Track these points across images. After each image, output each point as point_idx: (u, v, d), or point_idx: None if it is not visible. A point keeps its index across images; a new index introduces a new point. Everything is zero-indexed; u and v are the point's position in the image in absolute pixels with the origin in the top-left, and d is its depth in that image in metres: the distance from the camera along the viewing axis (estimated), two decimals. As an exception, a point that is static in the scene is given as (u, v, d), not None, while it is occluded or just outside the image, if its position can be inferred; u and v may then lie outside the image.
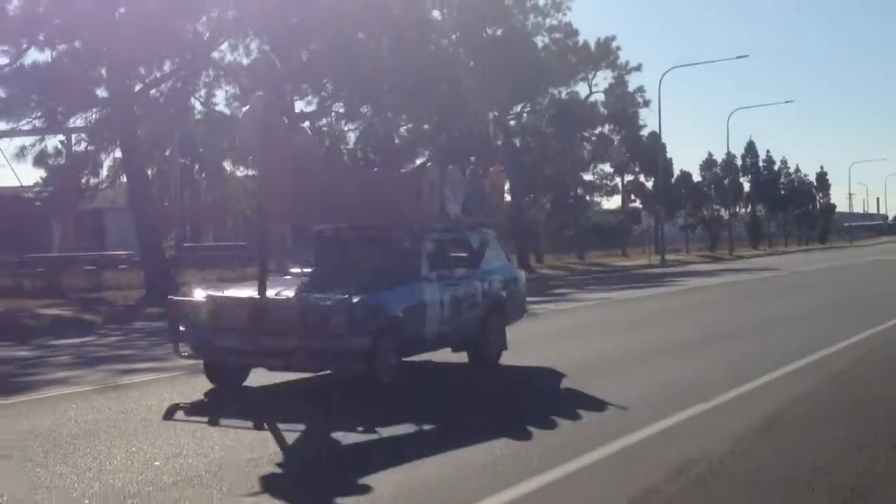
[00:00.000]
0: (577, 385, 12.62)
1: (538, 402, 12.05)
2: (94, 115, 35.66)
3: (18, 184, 50.31)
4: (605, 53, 60.26)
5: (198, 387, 12.69)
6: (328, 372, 12.07)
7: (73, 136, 42.62)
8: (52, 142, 41.52)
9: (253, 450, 9.03)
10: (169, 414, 10.92)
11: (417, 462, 8.42)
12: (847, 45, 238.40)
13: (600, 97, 63.08)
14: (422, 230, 13.65)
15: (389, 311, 12.13)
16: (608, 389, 12.18)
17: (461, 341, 14.17)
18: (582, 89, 61.17)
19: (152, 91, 35.83)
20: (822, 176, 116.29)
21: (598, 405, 11.08)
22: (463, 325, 13.86)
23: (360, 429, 9.82)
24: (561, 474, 7.94)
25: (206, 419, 10.53)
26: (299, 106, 40.29)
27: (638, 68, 63.08)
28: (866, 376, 13.21)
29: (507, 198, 59.50)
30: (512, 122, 55.95)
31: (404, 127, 47.48)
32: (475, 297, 14.16)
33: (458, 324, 13.70)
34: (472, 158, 39.05)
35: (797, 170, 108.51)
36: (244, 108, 13.43)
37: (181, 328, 12.35)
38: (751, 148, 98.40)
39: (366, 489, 7.61)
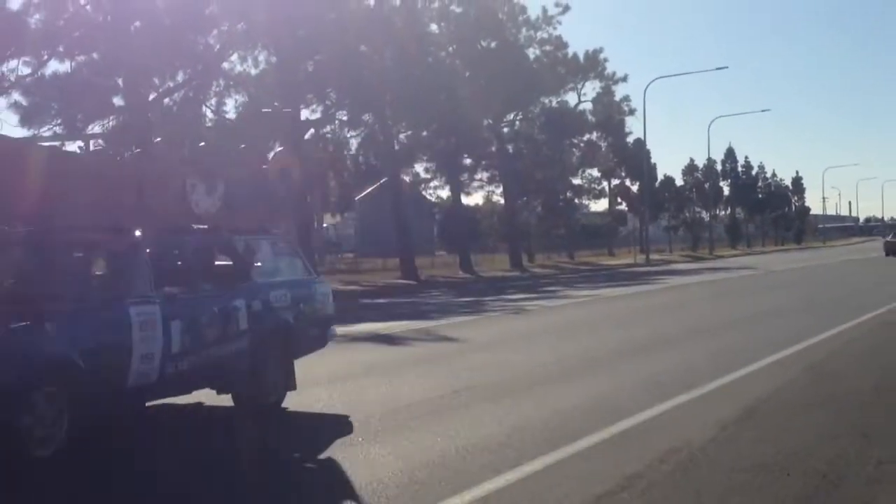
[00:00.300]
0: (566, 377, 12.64)
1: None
2: (111, 123, 35.69)
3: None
4: (592, 65, 60.35)
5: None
6: None
7: (92, 142, 42.54)
8: (72, 147, 41.51)
9: None
10: None
11: None
12: (821, 57, 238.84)
13: (588, 106, 63.30)
14: (142, 232, 9.41)
15: (52, 352, 7.93)
16: (593, 383, 12.22)
17: (220, 381, 9.97)
18: (571, 98, 61.39)
19: (166, 100, 35.88)
20: (797, 180, 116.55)
21: (586, 397, 11.10)
22: (216, 361, 9.62)
23: None
24: (552, 461, 7.94)
25: None
26: (305, 114, 40.29)
27: (624, 79, 63.34)
28: (840, 369, 13.22)
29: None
30: (505, 130, 56.06)
31: (404, 134, 47.53)
32: (235, 322, 9.90)
33: (204, 359, 9.42)
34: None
35: (774, 175, 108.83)
36: None
37: None
38: (730, 154, 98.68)
39: None
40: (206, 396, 10.44)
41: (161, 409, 10.09)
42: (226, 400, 10.36)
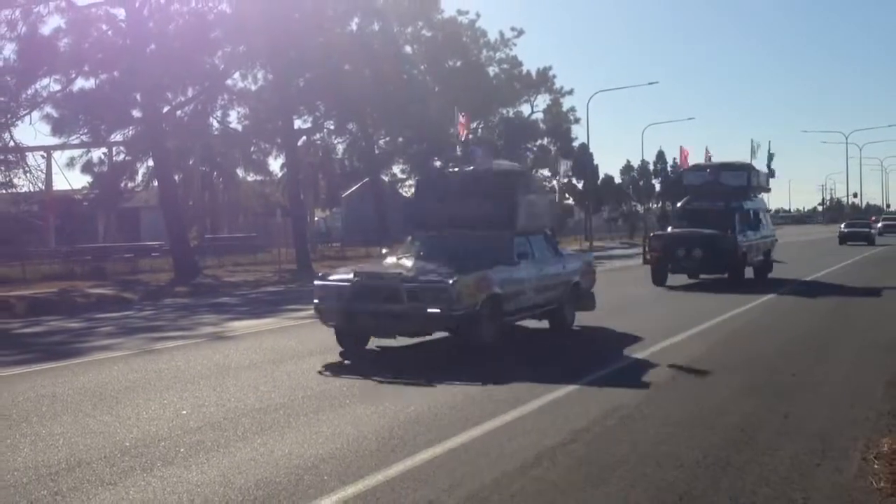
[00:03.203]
0: (526, 344, 12.63)
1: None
2: (130, 132, 35.49)
3: (69, 188, 49.89)
4: (543, 80, 60.45)
5: (214, 350, 12.65)
6: None
7: (114, 148, 42.18)
8: (97, 153, 41.14)
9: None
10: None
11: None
12: (737, 74, 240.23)
13: (540, 116, 63.47)
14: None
15: None
16: (544, 351, 12.22)
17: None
18: (525, 109, 61.56)
19: (178, 112, 35.63)
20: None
21: (538, 364, 11.09)
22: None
23: None
24: (511, 418, 7.96)
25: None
26: (297, 124, 40.07)
27: (570, 92, 63.64)
28: (753, 337, 13.33)
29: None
30: (469, 137, 56.03)
31: (383, 140, 47.42)
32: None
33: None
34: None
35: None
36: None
37: None
38: (660, 156, 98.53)
39: None
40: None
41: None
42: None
